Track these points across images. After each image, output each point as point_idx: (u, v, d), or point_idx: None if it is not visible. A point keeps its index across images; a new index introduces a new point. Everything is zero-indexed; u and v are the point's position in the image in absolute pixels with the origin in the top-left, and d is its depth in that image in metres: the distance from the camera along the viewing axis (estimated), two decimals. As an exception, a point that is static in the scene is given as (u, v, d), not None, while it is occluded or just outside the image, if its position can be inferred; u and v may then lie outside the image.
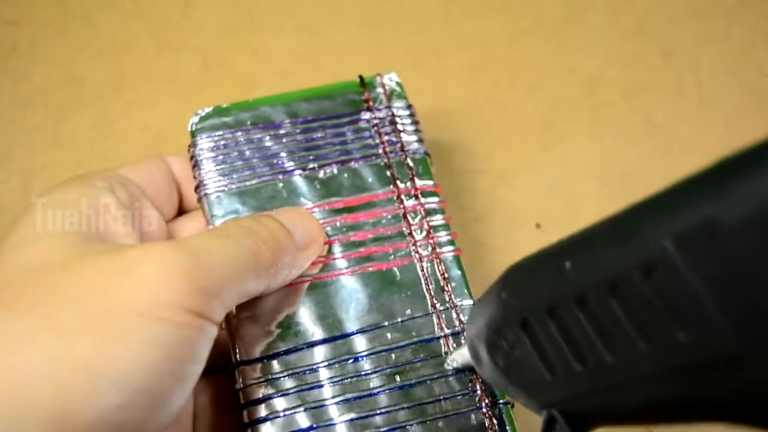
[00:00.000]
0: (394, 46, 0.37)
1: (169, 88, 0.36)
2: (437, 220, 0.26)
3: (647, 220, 0.14)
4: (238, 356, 0.24)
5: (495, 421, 0.23)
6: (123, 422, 0.18)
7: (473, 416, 0.24)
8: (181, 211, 0.28)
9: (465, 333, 0.24)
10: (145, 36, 0.37)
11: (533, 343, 0.18)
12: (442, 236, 0.26)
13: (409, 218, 0.26)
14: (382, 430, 0.23)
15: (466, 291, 0.25)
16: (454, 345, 0.24)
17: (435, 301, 0.25)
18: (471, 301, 0.25)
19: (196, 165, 0.27)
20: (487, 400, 0.24)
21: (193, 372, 0.20)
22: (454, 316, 0.25)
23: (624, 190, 0.33)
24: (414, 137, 0.28)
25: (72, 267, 0.20)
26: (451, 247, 0.26)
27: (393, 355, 0.24)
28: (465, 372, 0.24)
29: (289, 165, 0.27)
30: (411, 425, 0.23)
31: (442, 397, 0.24)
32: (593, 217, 0.34)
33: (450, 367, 0.24)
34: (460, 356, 0.23)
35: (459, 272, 0.26)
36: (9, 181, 0.34)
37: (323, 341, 0.24)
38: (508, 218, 0.33)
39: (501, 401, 0.24)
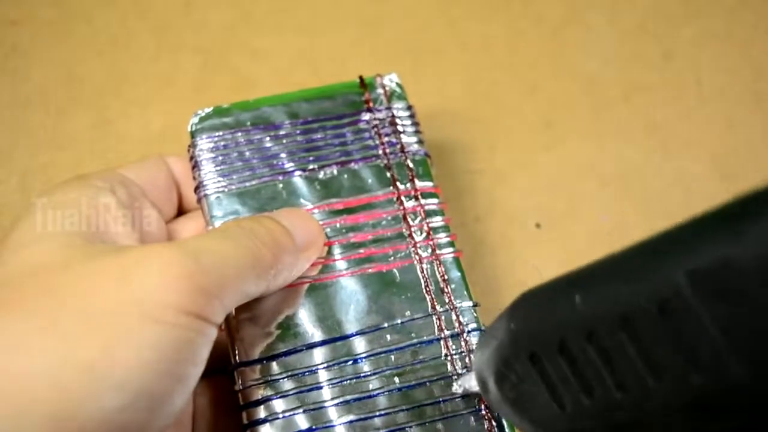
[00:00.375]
0: (394, 46, 0.37)
1: (169, 88, 0.36)
2: (437, 221, 0.26)
3: (662, 255, 0.14)
4: (237, 357, 0.24)
5: (494, 424, 0.23)
6: (124, 423, 0.18)
7: (472, 418, 0.24)
8: (181, 211, 0.28)
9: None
10: (145, 36, 0.37)
11: (542, 376, 0.17)
12: (442, 238, 0.26)
13: (409, 220, 0.26)
14: (382, 431, 0.23)
15: (465, 293, 0.25)
16: (454, 347, 0.24)
17: (435, 303, 0.25)
18: (470, 303, 0.25)
19: (195, 165, 0.27)
20: (486, 403, 0.24)
21: (194, 373, 0.20)
22: (454, 317, 0.25)
23: (624, 190, 0.33)
24: (414, 138, 0.28)
25: (73, 268, 0.20)
26: (450, 249, 0.26)
27: (392, 357, 0.24)
28: (471, 397, 0.24)
29: (289, 166, 0.27)
30: (410, 427, 0.23)
31: (441, 399, 0.24)
32: (593, 217, 0.34)
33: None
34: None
35: (459, 274, 0.26)
36: (9, 181, 0.34)
37: (323, 343, 0.24)
38: (508, 218, 0.33)
39: None
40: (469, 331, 0.25)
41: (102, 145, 0.35)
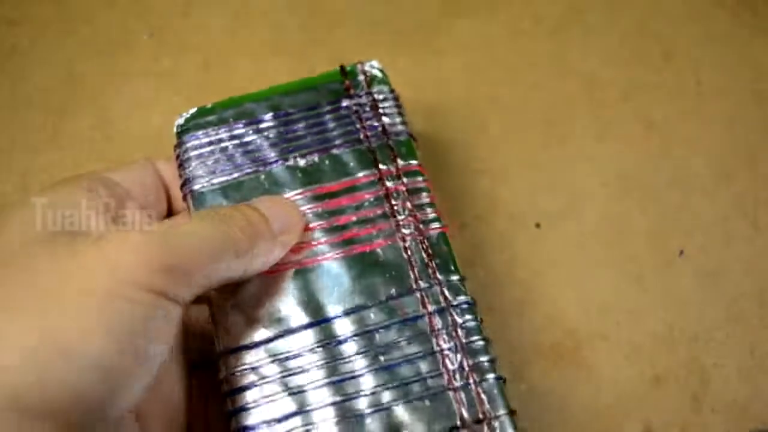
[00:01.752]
0: (394, 46, 0.37)
1: (169, 88, 0.36)
2: (422, 198, 0.26)
3: None
4: (221, 345, 0.24)
5: (484, 398, 0.23)
6: (80, 399, 0.18)
7: (462, 393, 0.23)
8: (172, 213, 0.28)
9: None
10: (145, 36, 0.37)
11: None
12: (428, 214, 0.26)
13: (392, 199, 0.26)
14: (367, 411, 0.23)
15: (452, 267, 0.25)
16: (440, 322, 0.24)
17: (419, 279, 0.25)
18: (457, 277, 0.25)
19: (181, 164, 0.27)
20: (475, 376, 0.23)
21: (155, 352, 0.20)
22: (439, 292, 0.25)
23: (624, 190, 0.33)
24: (397, 119, 0.28)
25: (33, 248, 0.20)
26: (436, 224, 0.26)
27: (377, 336, 0.24)
28: (455, 351, 0.24)
29: (271, 157, 0.27)
30: (397, 405, 0.23)
31: (428, 376, 0.23)
32: (593, 217, 0.34)
33: None
34: None
35: (445, 248, 0.25)
36: (9, 181, 0.34)
37: (306, 326, 0.24)
38: (508, 218, 0.33)
39: (491, 376, 0.23)
40: (455, 305, 0.24)
41: (102, 145, 0.35)
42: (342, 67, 0.29)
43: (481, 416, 0.23)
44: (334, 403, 0.23)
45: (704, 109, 0.35)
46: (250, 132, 0.27)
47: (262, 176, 0.26)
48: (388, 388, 0.23)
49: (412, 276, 0.25)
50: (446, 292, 0.25)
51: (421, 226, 0.26)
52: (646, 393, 0.29)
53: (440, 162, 0.34)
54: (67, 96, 0.36)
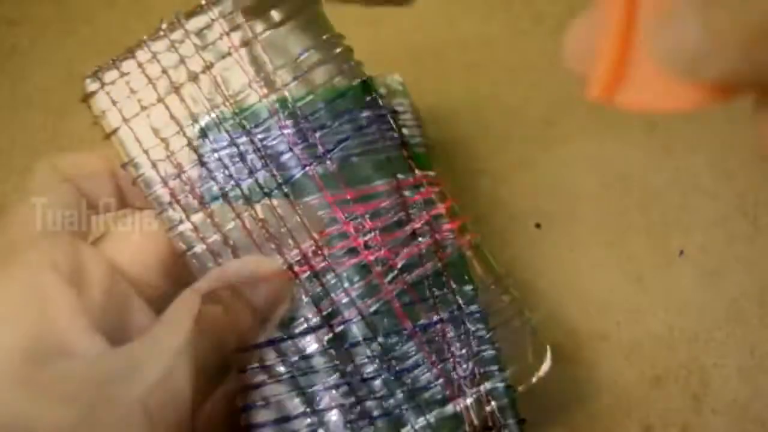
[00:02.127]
0: (394, 46, 0.37)
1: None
2: (438, 208, 0.26)
3: None
4: (232, 344, 0.24)
5: (494, 406, 0.24)
6: (75, 397, 0.18)
7: (471, 401, 0.23)
8: None
9: None
10: (146, 36, 0.37)
11: None
12: (443, 224, 0.26)
13: (408, 208, 0.26)
14: (376, 414, 0.23)
15: (466, 276, 0.25)
16: (452, 331, 0.24)
17: (433, 287, 0.25)
18: (471, 287, 0.25)
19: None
20: (485, 385, 0.24)
21: (159, 347, 0.21)
22: (452, 300, 0.25)
23: (624, 190, 0.33)
24: (415, 132, 0.28)
25: (33, 248, 0.21)
26: (450, 235, 0.26)
27: (388, 341, 0.24)
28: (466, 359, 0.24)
29: (288, 164, 0.27)
30: (406, 411, 0.23)
31: (438, 383, 0.24)
32: (593, 217, 0.34)
33: None
34: None
35: (458, 258, 0.25)
36: (9, 181, 0.34)
37: (318, 328, 0.24)
38: (508, 218, 0.33)
39: (501, 385, 0.24)
40: (467, 314, 0.25)
41: (102, 145, 0.35)
42: (363, 80, 0.29)
43: (490, 425, 0.23)
44: (342, 405, 0.23)
45: (704, 108, 0.35)
46: (267, 138, 0.27)
47: (279, 182, 0.26)
48: (397, 393, 0.23)
49: (425, 284, 0.25)
50: (459, 301, 0.25)
51: (436, 236, 0.26)
52: (646, 393, 0.30)
53: (441, 162, 0.34)
54: (67, 96, 0.36)
